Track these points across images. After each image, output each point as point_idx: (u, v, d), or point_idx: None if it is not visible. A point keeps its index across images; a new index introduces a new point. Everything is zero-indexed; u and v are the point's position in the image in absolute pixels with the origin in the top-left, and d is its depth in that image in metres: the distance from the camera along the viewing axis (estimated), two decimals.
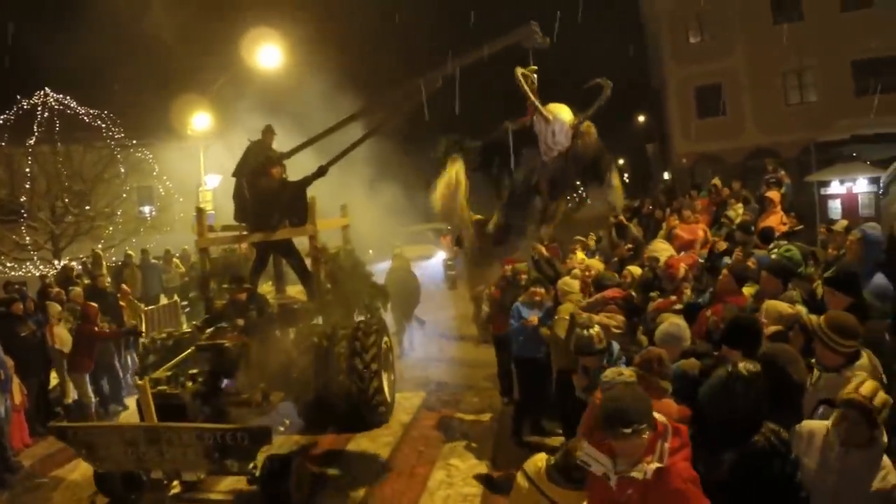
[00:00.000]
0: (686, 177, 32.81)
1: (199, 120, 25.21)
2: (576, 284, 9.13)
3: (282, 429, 10.17)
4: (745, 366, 4.10)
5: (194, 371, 8.86)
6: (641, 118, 54.12)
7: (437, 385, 12.70)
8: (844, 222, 9.10)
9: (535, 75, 7.87)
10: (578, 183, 8.88)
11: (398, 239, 29.83)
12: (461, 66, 8.57)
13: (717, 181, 14.37)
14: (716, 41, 32.94)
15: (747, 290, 7.33)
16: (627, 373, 4.99)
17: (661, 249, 9.99)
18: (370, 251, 29.76)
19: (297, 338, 10.64)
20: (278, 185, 10.46)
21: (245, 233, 10.94)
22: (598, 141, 7.65)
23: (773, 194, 12.83)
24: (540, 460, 4.37)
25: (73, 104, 26.14)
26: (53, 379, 12.59)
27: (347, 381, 10.07)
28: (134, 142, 27.94)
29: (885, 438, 3.75)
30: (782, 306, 5.96)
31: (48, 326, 12.00)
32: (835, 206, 21.72)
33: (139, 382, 8.20)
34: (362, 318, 11.39)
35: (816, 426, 4.06)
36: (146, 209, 29.88)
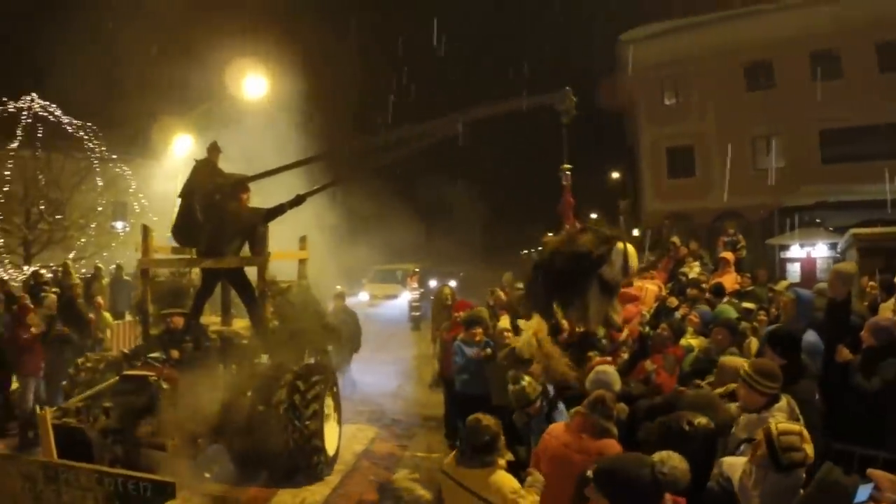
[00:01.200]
0: (656, 234, 33.50)
1: (181, 142, 25.48)
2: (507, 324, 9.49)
3: (207, 475, 8.99)
4: (698, 420, 4.26)
5: (108, 405, 7.94)
6: (616, 174, 54.96)
7: (392, 421, 12.88)
8: (786, 282, 9.58)
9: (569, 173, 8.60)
10: None
11: (367, 276, 30.35)
12: (485, 115, 9.09)
13: (675, 239, 14.85)
14: (690, 104, 33.93)
15: (695, 342, 7.74)
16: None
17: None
18: (338, 287, 30.14)
19: (236, 377, 9.61)
20: (246, 211, 9.99)
21: (194, 257, 10.23)
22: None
23: (728, 255, 13.38)
24: (452, 457, 4.87)
25: (58, 112, 26.24)
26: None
27: (284, 433, 8.93)
28: (114, 156, 27.99)
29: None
30: (739, 362, 6.22)
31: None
32: (794, 270, 22.49)
33: (38, 413, 7.38)
34: (312, 360, 10.87)
35: (736, 461, 4.44)
36: (119, 224, 29.86)
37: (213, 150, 10.33)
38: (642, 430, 5.42)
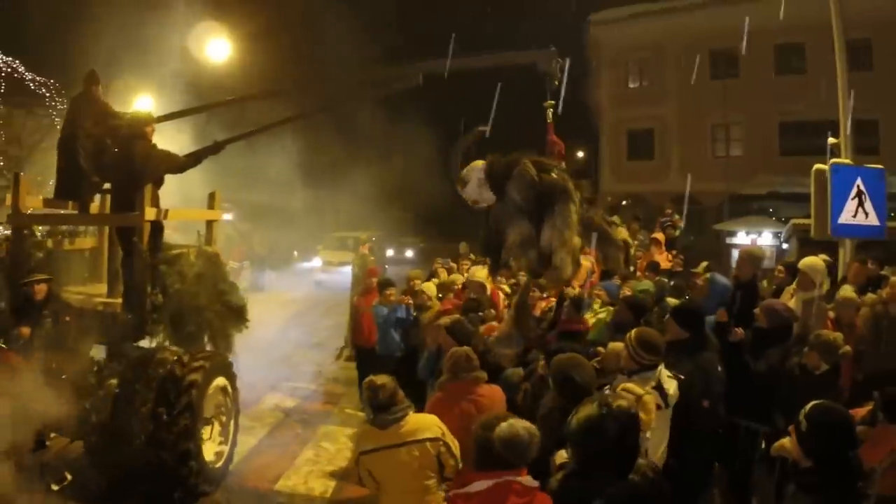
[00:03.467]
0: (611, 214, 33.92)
1: (141, 103, 25.28)
2: (433, 289, 9.69)
3: (55, 488, 7.03)
4: (618, 403, 4.02)
5: None
6: (581, 153, 55.24)
7: (327, 379, 13.09)
8: (705, 263, 9.92)
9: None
10: None
11: (322, 243, 30.56)
12: (457, 68, 7.80)
13: (616, 219, 15.17)
14: (653, 88, 34.39)
15: (604, 314, 8.04)
16: None
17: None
18: (295, 252, 30.17)
19: (101, 364, 7.75)
20: (157, 152, 8.14)
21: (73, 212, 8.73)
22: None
23: (660, 236, 13.75)
24: (364, 434, 5.02)
25: (21, 69, 25.89)
26: None
27: (147, 434, 7.14)
28: None
29: None
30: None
31: None
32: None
33: None
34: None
35: None
36: None
37: (90, 80, 8.66)
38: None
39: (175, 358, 7.57)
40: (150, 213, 7.97)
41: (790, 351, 6.68)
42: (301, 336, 16.32)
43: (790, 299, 7.92)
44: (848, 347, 6.41)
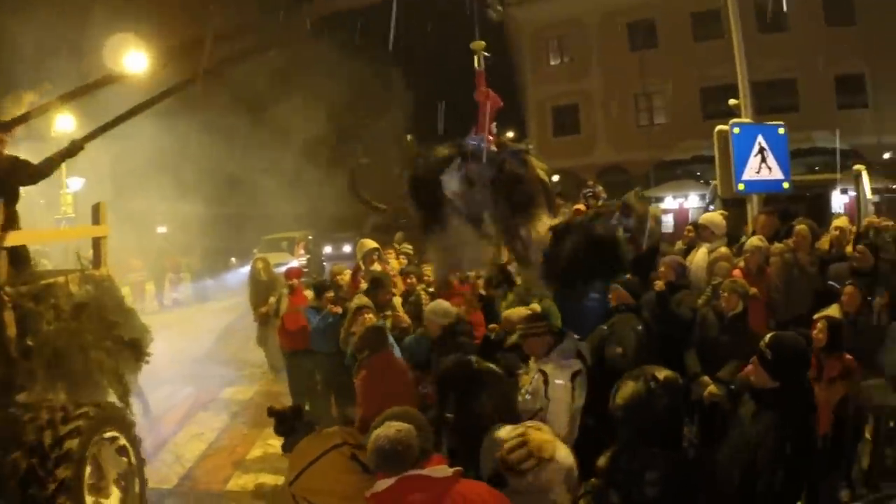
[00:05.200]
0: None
1: (62, 121, 24.85)
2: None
3: None
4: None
5: None
6: (510, 133, 55.74)
7: (270, 380, 13.00)
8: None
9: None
10: None
11: (257, 246, 30.43)
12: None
13: None
14: (574, 64, 34.87)
15: None
16: None
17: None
18: (232, 259, 29.97)
19: None
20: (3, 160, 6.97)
21: None
22: None
23: (580, 206, 14.17)
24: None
25: None
26: None
27: None
28: None
29: None
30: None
31: None
32: (667, 220, 23.55)
33: None
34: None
35: None
36: None
37: None
38: None
39: (48, 418, 5.97)
40: (5, 238, 6.40)
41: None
42: (241, 341, 16.29)
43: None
44: (755, 289, 7.01)
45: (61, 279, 6.99)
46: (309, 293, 9.71)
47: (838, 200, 21.17)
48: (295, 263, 27.32)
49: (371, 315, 7.60)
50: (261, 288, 12.46)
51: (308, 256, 27.98)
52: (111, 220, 8.22)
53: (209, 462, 9.21)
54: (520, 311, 6.57)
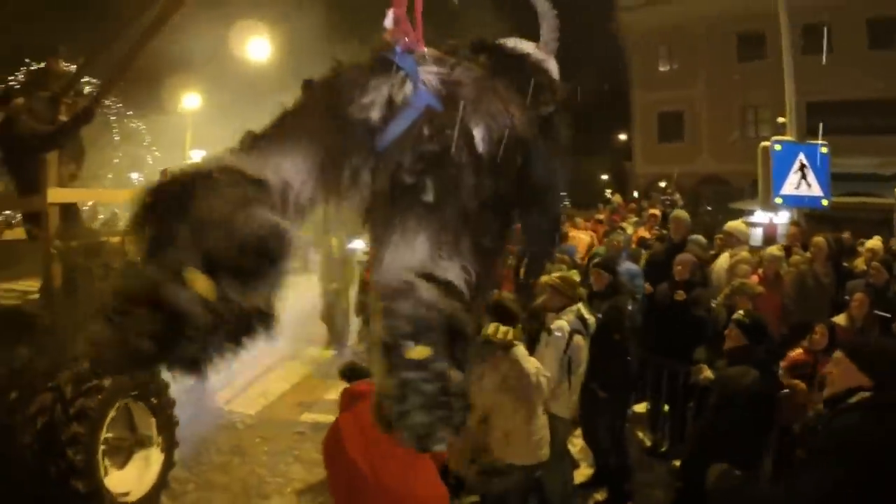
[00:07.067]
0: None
1: (189, 99, 27.14)
2: None
3: None
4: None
5: None
6: (623, 136, 55.77)
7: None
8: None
9: None
10: None
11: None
12: None
13: (617, 197, 16.32)
14: (682, 70, 35.14)
15: None
16: None
17: None
18: None
19: None
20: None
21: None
22: None
23: (655, 211, 15.01)
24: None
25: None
26: None
27: (34, 462, 5.79)
28: (130, 112, 29.74)
29: None
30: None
31: None
32: (757, 233, 23.75)
33: None
34: None
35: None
36: (134, 176, 31.70)
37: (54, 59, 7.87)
38: None
39: (77, 368, 6.01)
40: (53, 195, 6.68)
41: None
42: None
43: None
44: (761, 288, 7.92)
45: (116, 238, 7.11)
46: None
47: None
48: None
49: None
50: (333, 265, 13.13)
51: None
52: None
53: (289, 398, 10.76)
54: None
